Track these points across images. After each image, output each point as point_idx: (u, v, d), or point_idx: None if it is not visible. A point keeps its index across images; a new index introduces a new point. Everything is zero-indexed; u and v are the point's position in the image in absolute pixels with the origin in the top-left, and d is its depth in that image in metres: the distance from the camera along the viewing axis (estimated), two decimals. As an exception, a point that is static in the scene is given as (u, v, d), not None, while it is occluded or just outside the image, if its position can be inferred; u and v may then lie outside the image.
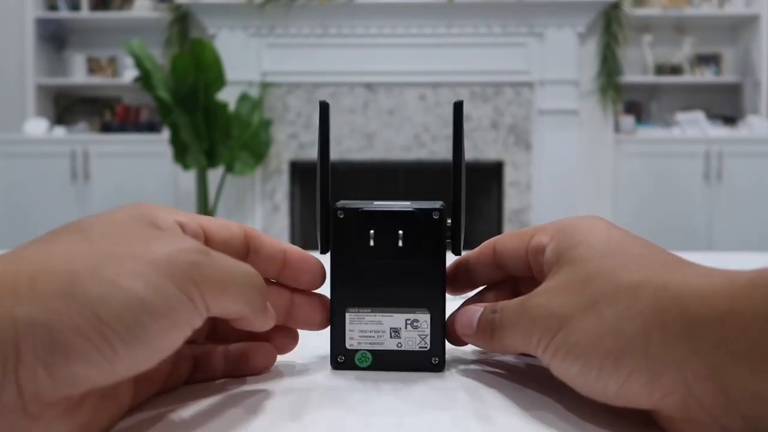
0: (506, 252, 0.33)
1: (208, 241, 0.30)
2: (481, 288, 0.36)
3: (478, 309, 0.32)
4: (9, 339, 0.20)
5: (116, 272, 0.22)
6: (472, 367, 0.34)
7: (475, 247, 0.36)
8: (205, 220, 0.30)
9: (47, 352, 0.20)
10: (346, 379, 0.32)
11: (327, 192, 0.33)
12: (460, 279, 0.35)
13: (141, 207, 0.28)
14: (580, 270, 0.28)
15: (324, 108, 0.33)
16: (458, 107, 0.33)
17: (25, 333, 0.20)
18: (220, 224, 0.31)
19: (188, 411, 0.28)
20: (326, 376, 0.33)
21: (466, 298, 0.36)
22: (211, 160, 3.02)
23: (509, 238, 0.34)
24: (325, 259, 0.34)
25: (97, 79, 3.84)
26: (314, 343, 0.35)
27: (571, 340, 0.26)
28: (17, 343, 0.20)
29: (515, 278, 0.35)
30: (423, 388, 0.31)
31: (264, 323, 0.29)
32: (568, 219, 0.31)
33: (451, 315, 0.34)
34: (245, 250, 0.31)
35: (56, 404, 0.21)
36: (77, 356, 0.21)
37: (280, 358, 0.34)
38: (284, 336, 0.33)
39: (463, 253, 0.35)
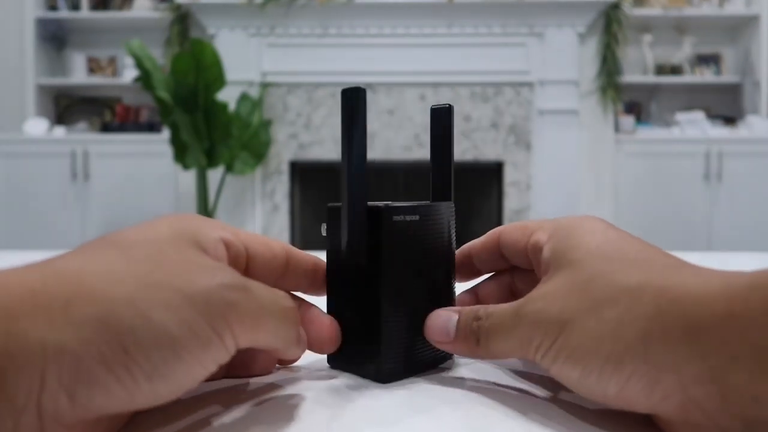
0: (509, 243, 0.34)
1: (250, 260, 0.29)
2: (481, 281, 0.37)
3: (451, 315, 0.32)
4: (37, 365, 0.20)
5: (150, 304, 0.22)
6: (473, 367, 0.34)
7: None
8: (250, 238, 0.29)
9: (72, 380, 0.20)
10: (346, 379, 0.32)
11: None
12: (464, 265, 0.36)
13: (186, 221, 0.27)
14: (579, 273, 0.27)
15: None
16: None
17: (53, 360, 0.20)
18: (263, 243, 0.30)
19: (187, 412, 0.28)
20: (326, 376, 0.33)
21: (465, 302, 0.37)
22: (211, 160, 3.02)
23: (513, 230, 0.34)
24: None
25: (97, 79, 3.84)
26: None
27: (572, 345, 0.26)
28: (44, 369, 0.20)
29: (513, 271, 0.36)
30: (425, 389, 0.31)
31: (294, 354, 0.30)
32: (566, 218, 0.31)
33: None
34: (285, 269, 0.31)
35: (74, 425, 0.21)
36: (100, 387, 0.21)
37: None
38: None
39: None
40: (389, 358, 0.32)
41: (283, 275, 0.31)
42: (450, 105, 0.34)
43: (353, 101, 0.30)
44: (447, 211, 0.34)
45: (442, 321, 0.32)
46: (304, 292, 0.33)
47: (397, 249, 0.32)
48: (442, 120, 0.35)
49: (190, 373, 0.23)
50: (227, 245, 0.28)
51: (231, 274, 0.25)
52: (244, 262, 0.29)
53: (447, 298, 0.34)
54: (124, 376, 0.21)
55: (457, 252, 0.36)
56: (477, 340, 0.30)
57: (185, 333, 0.22)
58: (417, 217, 0.32)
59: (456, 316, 0.32)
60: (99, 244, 0.25)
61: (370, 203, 0.32)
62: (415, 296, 0.32)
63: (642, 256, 0.27)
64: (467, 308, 0.32)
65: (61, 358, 0.20)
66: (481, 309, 0.31)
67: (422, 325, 0.32)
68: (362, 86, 0.31)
